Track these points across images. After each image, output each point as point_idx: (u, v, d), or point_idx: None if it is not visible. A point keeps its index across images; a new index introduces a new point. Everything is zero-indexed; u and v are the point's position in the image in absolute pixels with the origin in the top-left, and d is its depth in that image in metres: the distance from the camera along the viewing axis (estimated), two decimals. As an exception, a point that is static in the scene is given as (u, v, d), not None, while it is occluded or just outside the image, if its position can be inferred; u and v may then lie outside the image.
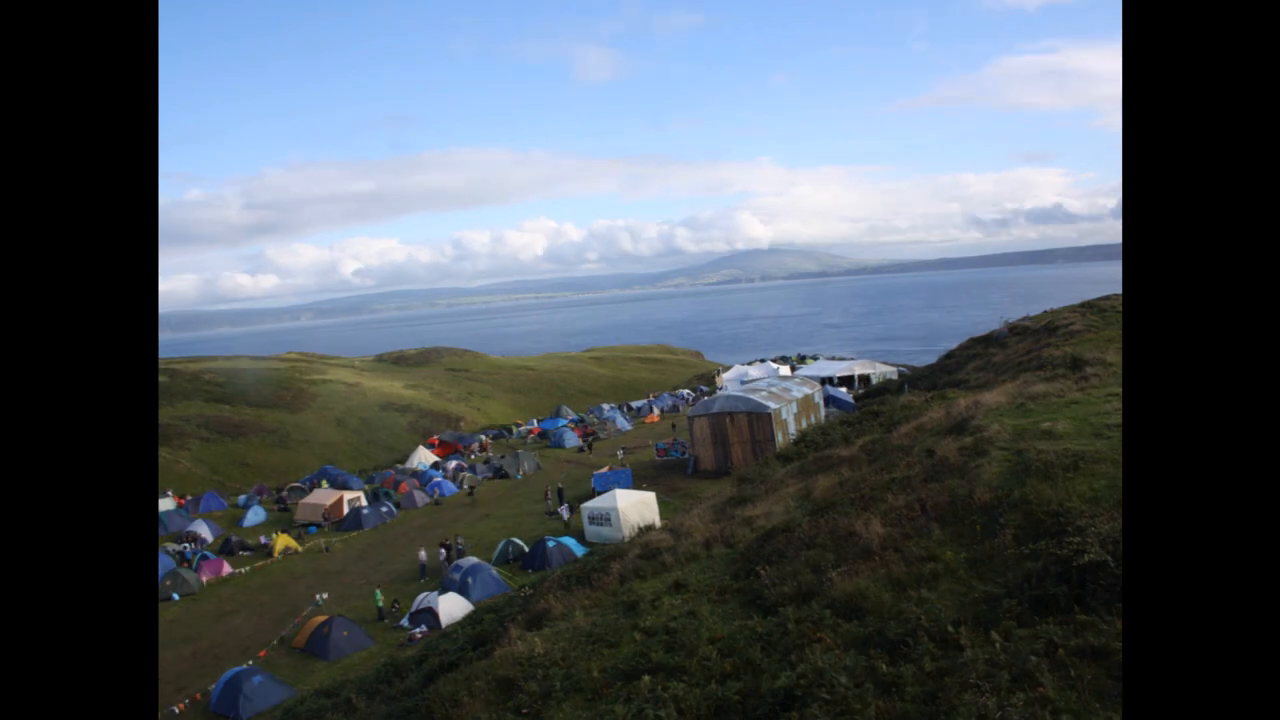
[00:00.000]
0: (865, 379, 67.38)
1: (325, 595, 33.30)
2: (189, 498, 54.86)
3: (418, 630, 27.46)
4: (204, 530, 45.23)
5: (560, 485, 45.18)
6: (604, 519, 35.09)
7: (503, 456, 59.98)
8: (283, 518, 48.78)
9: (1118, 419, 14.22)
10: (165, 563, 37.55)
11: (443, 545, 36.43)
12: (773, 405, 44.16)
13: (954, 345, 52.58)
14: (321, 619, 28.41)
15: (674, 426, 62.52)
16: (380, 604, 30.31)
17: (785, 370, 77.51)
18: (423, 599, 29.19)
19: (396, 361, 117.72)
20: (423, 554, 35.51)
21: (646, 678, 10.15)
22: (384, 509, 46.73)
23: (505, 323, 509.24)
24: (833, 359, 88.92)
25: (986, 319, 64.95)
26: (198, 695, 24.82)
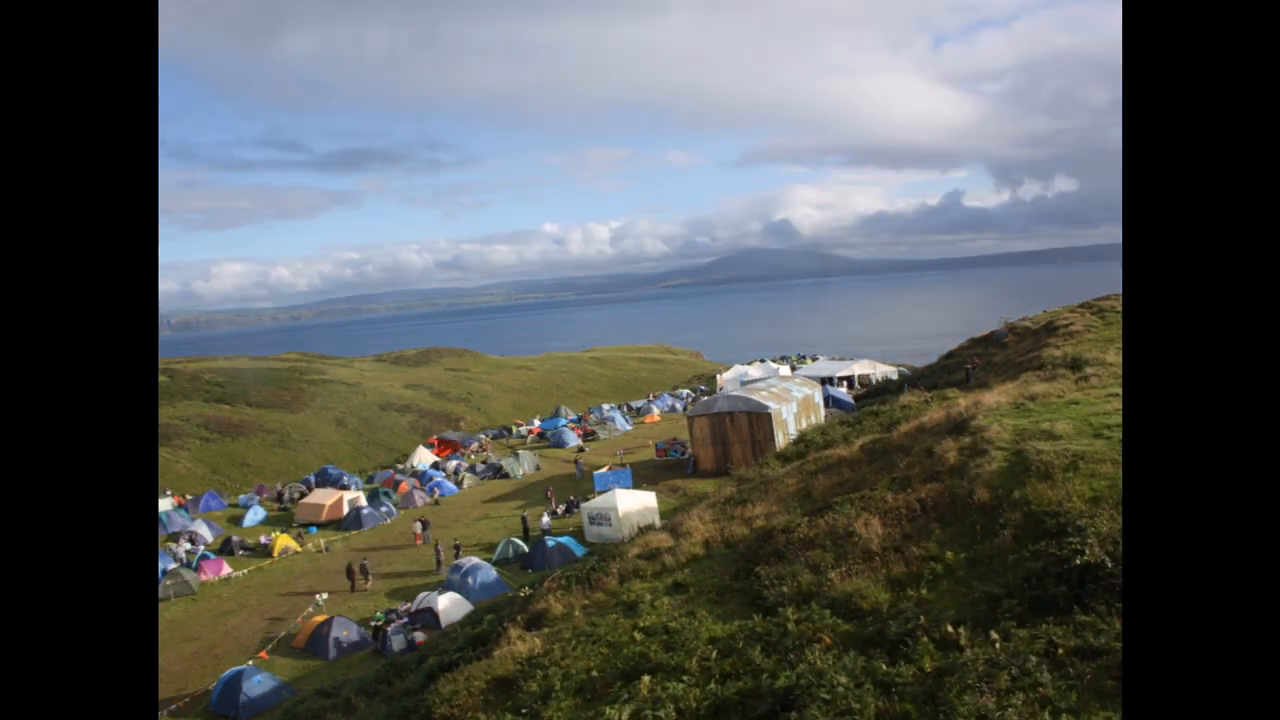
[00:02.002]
0: (865, 379, 67.45)
1: (325, 595, 33.30)
2: (189, 498, 54.89)
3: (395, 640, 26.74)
4: (204, 530, 45.25)
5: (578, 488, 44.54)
6: (604, 519, 35.09)
7: (502, 456, 60.00)
8: (283, 517, 48.82)
9: (1118, 419, 14.23)
10: (165, 562, 37.57)
11: (454, 546, 36.34)
12: (773, 405, 44.17)
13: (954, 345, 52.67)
14: (321, 619, 28.40)
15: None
16: (377, 623, 28.73)
17: (785, 370, 77.52)
18: (423, 599, 29.18)
19: (396, 361, 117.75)
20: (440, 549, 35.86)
21: (646, 678, 10.14)
22: (384, 509, 46.73)
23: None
24: (833, 359, 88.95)
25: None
26: (188, 697, 24.80)
